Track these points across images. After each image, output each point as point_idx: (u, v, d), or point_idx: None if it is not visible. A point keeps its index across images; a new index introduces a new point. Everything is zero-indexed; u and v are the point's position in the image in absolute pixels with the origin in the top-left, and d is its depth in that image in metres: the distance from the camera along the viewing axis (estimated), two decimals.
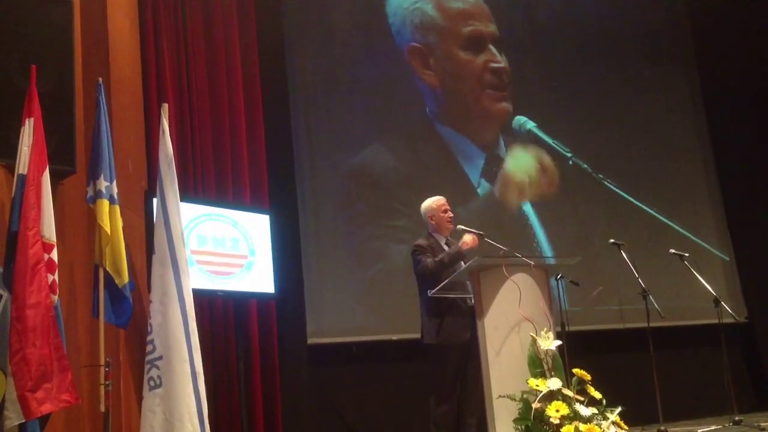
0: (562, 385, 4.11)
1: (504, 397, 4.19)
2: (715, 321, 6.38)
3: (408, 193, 7.11)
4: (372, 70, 7.47)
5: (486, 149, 7.78)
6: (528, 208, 7.76)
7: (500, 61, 7.96)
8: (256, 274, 5.51)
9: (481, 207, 7.52)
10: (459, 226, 5.20)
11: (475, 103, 7.83)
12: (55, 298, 3.74)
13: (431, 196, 5.38)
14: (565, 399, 4.06)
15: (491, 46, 7.98)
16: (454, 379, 4.95)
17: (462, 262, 5.01)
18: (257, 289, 5.57)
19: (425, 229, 5.38)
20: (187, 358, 4.21)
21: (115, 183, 4.30)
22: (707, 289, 6.21)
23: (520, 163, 7.85)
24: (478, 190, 7.60)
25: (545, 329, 4.31)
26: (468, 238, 5.02)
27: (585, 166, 8.11)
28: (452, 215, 5.30)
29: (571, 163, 8.06)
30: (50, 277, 3.69)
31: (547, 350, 4.24)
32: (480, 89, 7.87)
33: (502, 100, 7.93)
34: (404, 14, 7.71)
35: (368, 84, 7.42)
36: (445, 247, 5.20)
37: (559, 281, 6.27)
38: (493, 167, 7.73)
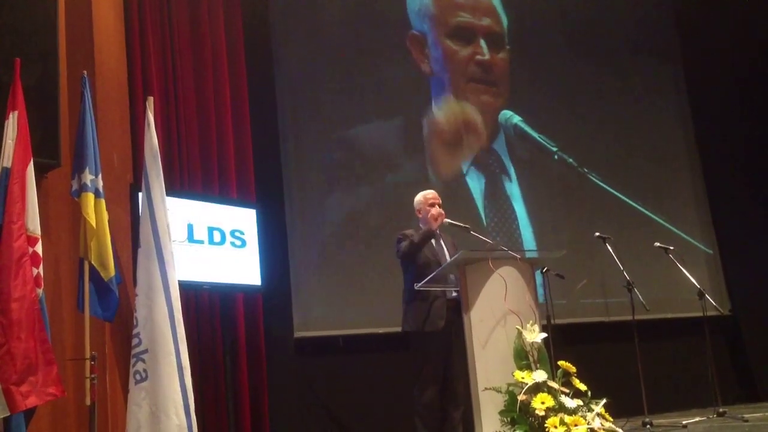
0: (548, 378, 4.13)
1: (490, 389, 4.21)
2: (700, 314, 6.42)
3: (396, 187, 7.13)
4: (360, 63, 7.46)
5: (479, 139, 7.82)
6: (519, 205, 7.79)
7: (485, 54, 7.98)
8: (242, 267, 5.51)
9: (468, 196, 7.55)
10: (446, 220, 5.22)
11: (462, 94, 7.86)
12: (40, 291, 3.74)
13: (422, 190, 5.40)
14: (551, 391, 4.08)
15: (482, 40, 8.02)
16: (435, 366, 4.97)
17: (434, 241, 5.17)
18: (244, 282, 5.56)
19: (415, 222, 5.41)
20: (173, 351, 4.21)
21: (100, 176, 4.29)
22: (692, 282, 6.25)
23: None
24: (467, 180, 7.63)
25: (531, 322, 4.33)
26: (435, 211, 5.11)
27: (570, 160, 8.14)
28: (439, 210, 5.30)
29: (556, 157, 8.09)
30: (35, 271, 3.69)
31: (532, 343, 4.26)
32: (464, 80, 7.90)
33: (487, 93, 7.94)
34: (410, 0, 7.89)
35: (356, 77, 7.40)
36: (431, 241, 5.22)
37: (545, 274, 6.29)
38: (484, 157, 7.78)
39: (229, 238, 5.44)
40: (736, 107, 8.79)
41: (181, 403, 4.16)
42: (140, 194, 4.56)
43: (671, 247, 6.50)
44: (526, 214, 7.81)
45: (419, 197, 5.36)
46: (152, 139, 4.51)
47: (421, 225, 5.31)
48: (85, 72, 4.41)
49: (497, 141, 7.91)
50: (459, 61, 7.91)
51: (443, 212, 5.16)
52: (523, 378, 4.12)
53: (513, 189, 7.85)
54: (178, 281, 4.41)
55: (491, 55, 8.05)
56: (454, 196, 7.35)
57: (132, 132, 5.31)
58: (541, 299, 5.26)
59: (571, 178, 8.16)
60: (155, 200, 4.40)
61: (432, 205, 5.26)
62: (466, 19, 8.02)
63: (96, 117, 4.43)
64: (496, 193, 7.74)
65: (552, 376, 4.20)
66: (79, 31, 4.74)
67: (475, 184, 7.65)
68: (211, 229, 5.33)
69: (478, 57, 7.97)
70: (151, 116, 4.56)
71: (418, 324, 4.99)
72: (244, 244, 5.52)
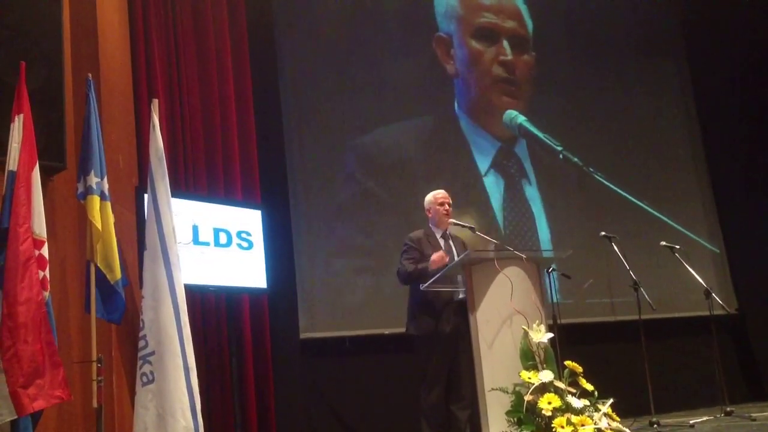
0: (554, 378, 4.14)
1: (496, 389, 4.20)
2: (706, 313, 6.41)
3: (399, 187, 7.13)
4: (363, 63, 7.46)
5: (500, 140, 7.86)
6: (537, 204, 7.81)
7: (508, 55, 8.05)
8: (248, 269, 5.50)
9: (485, 197, 7.58)
10: (450, 220, 5.21)
11: (484, 95, 7.92)
12: (47, 294, 3.74)
13: (432, 189, 5.40)
14: (557, 391, 4.08)
15: (505, 42, 8.07)
16: (441, 366, 4.97)
17: (444, 242, 5.15)
18: (249, 284, 5.56)
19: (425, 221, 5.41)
20: (179, 353, 4.21)
21: (105, 179, 4.28)
22: (698, 281, 6.23)
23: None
24: (486, 180, 7.67)
25: (537, 322, 4.33)
26: (436, 257, 4.91)
27: (575, 159, 8.13)
28: (449, 209, 5.28)
29: (561, 156, 8.07)
30: (41, 274, 3.68)
31: (539, 343, 4.26)
32: (489, 81, 7.97)
33: (508, 94, 7.99)
34: (437, 1, 7.98)
35: (359, 77, 7.41)
36: (441, 241, 5.21)
37: (551, 274, 6.28)
38: (504, 159, 7.82)
39: (235, 240, 5.44)
40: (742, 106, 8.76)
41: (188, 404, 4.16)
42: (146, 196, 4.56)
43: (677, 246, 6.48)
44: (543, 216, 7.81)
45: (429, 197, 5.35)
46: (157, 140, 4.51)
47: (430, 225, 5.30)
48: (90, 75, 4.41)
49: (519, 145, 7.92)
50: (483, 61, 7.97)
51: (445, 256, 4.94)
52: (529, 378, 4.12)
53: (531, 191, 7.88)
54: (184, 284, 4.41)
55: (514, 57, 8.09)
56: (471, 197, 7.36)
57: (137, 134, 5.32)
58: (547, 299, 5.25)
59: (579, 179, 8.14)
60: (161, 202, 4.41)
61: (441, 204, 5.25)
62: (490, 19, 8.10)
63: (101, 119, 4.43)
64: (515, 196, 7.78)
65: (558, 376, 4.20)
66: (83, 33, 4.74)
67: (494, 187, 7.68)
68: (216, 231, 5.33)
69: (502, 57, 8.03)
70: (156, 118, 4.56)
71: (428, 331, 4.99)
72: (251, 245, 5.52)
